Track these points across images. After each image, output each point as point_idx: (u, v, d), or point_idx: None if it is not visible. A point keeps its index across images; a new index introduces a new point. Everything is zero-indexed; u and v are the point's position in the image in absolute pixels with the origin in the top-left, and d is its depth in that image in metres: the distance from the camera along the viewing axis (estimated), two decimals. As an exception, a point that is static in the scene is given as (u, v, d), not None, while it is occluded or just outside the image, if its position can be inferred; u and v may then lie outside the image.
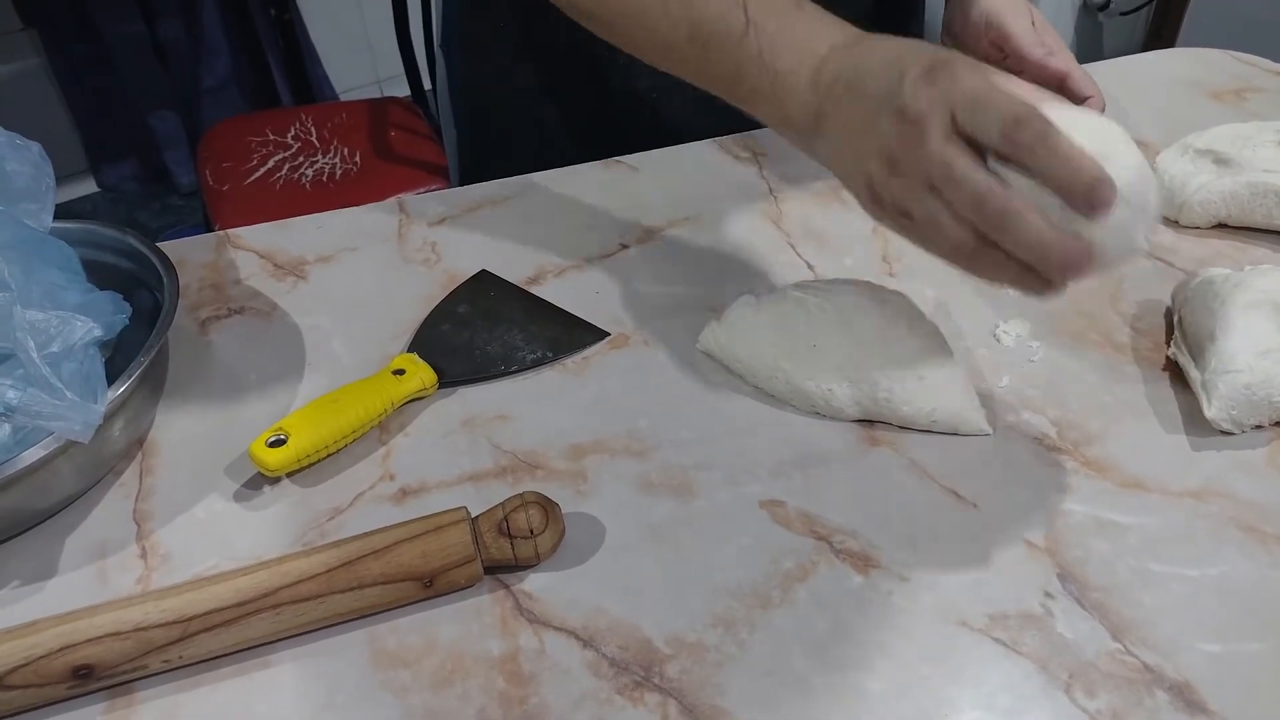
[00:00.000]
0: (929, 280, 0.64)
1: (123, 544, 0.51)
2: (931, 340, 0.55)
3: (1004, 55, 0.69)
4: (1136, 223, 0.42)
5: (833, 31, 0.50)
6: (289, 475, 0.53)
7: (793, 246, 0.67)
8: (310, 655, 0.45)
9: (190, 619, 0.43)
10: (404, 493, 0.52)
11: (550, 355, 0.60)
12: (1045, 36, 0.69)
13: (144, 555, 0.50)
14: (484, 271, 0.66)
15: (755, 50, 0.51)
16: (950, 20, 0.75)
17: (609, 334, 0.61)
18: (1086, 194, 0.41)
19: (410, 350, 0.59)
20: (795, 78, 0.50)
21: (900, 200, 0.46)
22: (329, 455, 0.54)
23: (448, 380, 0.58)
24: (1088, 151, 0.41)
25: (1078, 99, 0.67)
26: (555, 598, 0.47)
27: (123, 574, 0.49)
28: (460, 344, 0.60)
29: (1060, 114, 0.42)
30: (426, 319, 0.62)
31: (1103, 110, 0.65)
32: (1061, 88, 0.66)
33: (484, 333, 0.61)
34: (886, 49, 0.48)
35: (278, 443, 0.52)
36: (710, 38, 0.51)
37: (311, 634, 0.46)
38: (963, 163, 0.43)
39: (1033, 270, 0.43)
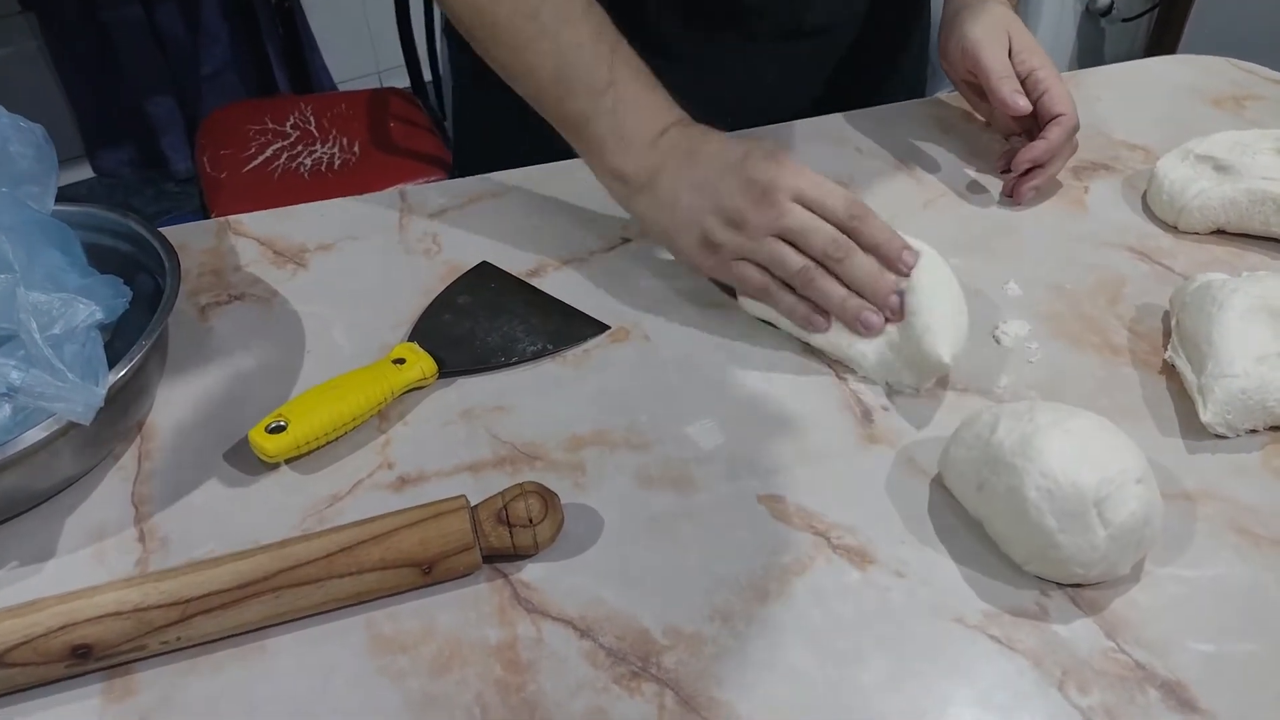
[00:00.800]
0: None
1: (121, 527, 0.51)
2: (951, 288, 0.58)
3: (980, 86, 0.71)
4: (1126, 551, 0.45)
5: (675, 110, 0.61)
6: (287, 462, 0.54)
7: (794, 244, 0.68)
8: (308, 640, 0.45)
9: (189, 601, 0.43)
10: (403, 481, 0.52)
11: (550, 347, 0.60)
12: (1028, 58, 0.70)
13: (142, 539, 0.50)
14: (485, 263, 0.66)
15: (610, 105, 0.59)
16: (940, 43, 0.76)
17: (609, 327, 0.61)
18: (897, 257, 0.57)
19: (410, 339, 0.59)
20: (638, 138, 0.60)
21: (737, 248, 0.58)
22: (328, 443, 0.54)
23: (448, 370, 0.58)
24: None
25: (1049, 116, 0.68)
26: (553, 587, 0.47)
27: (121, 557, 0.49)
28: (460, 334, 0.60)
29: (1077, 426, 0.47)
30: (427, 309, 0.62)
31: (1074, 129, 0.69)
32: (1036, 104, 0.69)
33: (484, 323, 0.61)
34: (722, 136, 0.60)
35: (277, 429, 0.52)
36: (573, 82, 0.59)
37: (310, 619, 0.46)
38: (815, 218, 0.57)
39: (849, 299, 0.57)
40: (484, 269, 0.66)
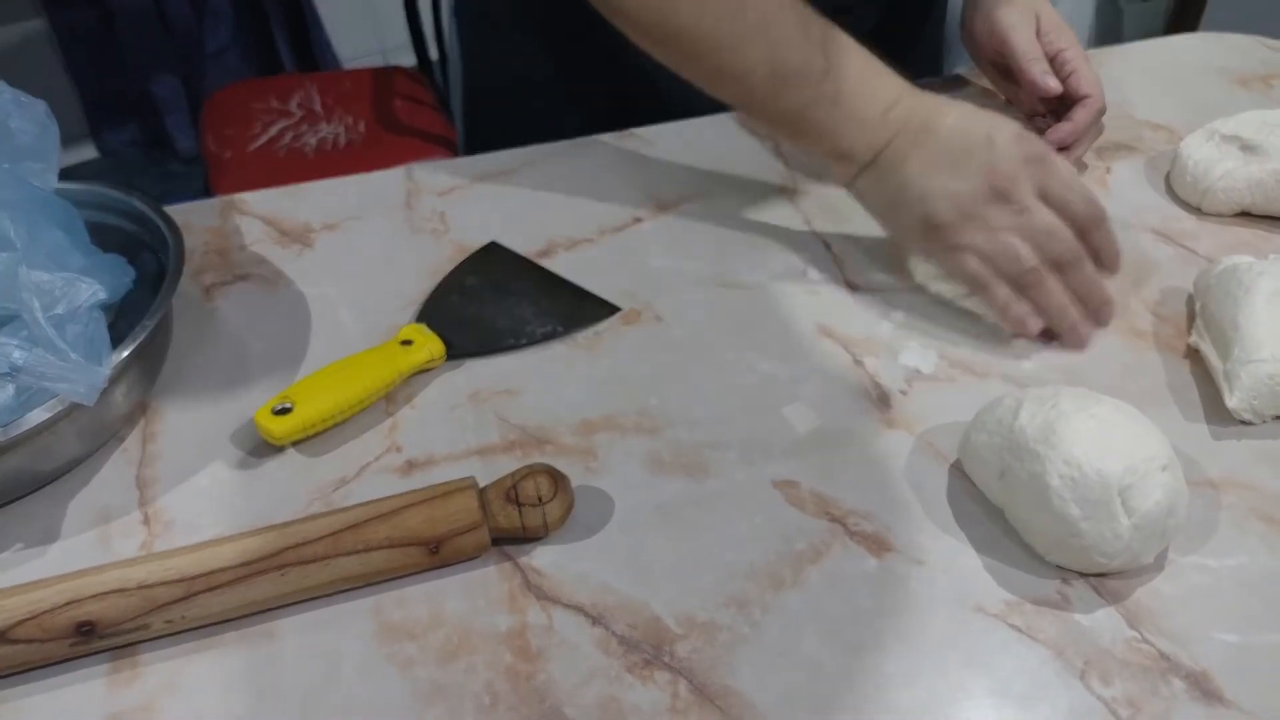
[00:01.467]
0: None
1: (125, 509, 0.50)
2: None
3: (1006, 66, 0.70)
4: (1150, 540, 0.44)
5: (900, 82, 0.58)
6: (294, 444, 0.53)
7: (809, 222, 0.66)
8: (315, 626, 0.45)
9: (194, 578, 0.43)
10: (410, 465, 0.52)
11: (560, 330, 0.59)
12: (1055, 39, 0.69)
13: (147, 521, 0.49)
14: (493, 243, 0.65)
15: (831, 92, 0.57)
16: (965, 22, 0.74)
17: (621, 309, 0.60)
18: (1117, 266, 0.57)
19: (418, 321, 0.58)
20: (865, 117, 0.57)
21: (967, 238, 0.56)
22: (335, 425, 0.53)
23: (456, 352, 0.57)
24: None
25: (1075, 97, 0.67)
26: (564, 574, 0.46)
27: (125, 539, 0.48)
28: (469, 316, 0.59)
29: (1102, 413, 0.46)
30: (435, 290, 0.61)
31: (1101, 111, 0.68)
32: (1063, 85, 0.68)
33: (493, 305, 0.60)
34: (960, 107, 0.58)
35: (283, 411, 0.51)
36: (789, 75, 0.57)
37: (317, 605, 0.45)
38: (1059, 222, 0.55)
39: (1069, 307, 0.56)
40: (492, 250, 0.65)
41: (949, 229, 0.56)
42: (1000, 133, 0.56)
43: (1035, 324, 0.56)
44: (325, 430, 0.53)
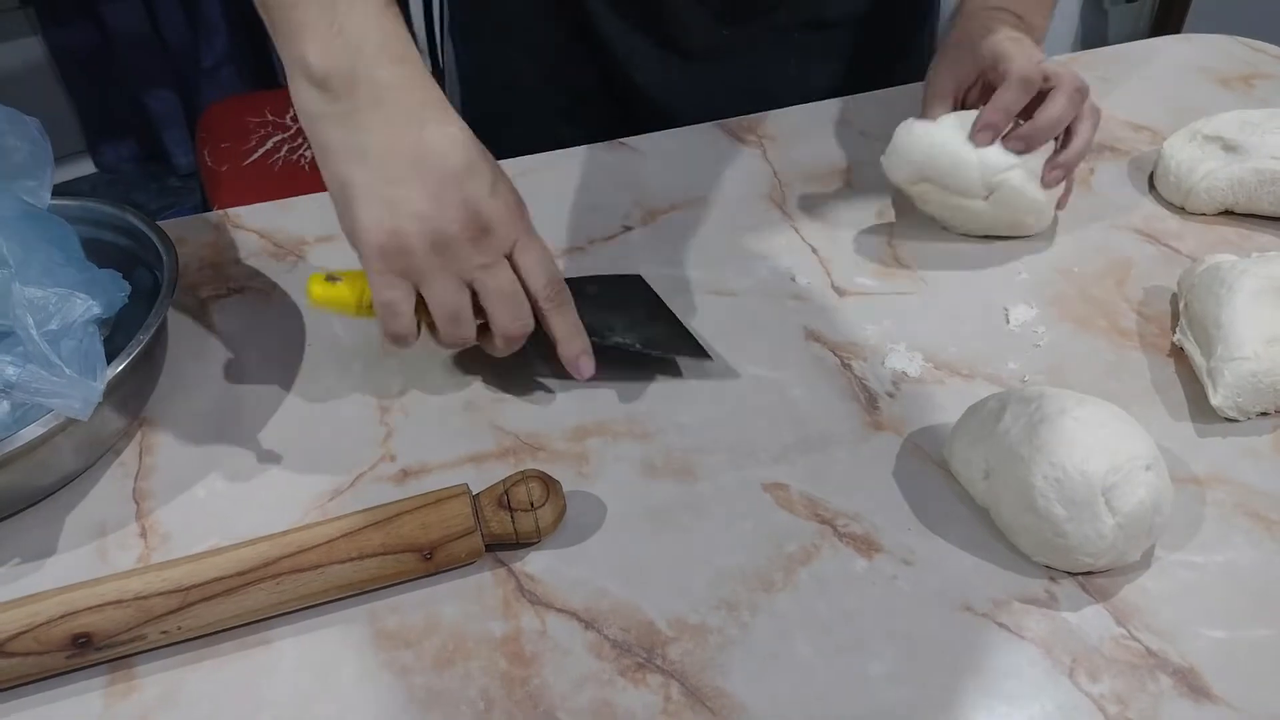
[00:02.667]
0: (936, 265, 0.63)
1: (122, 523, 0.50)
2: None
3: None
4: (1135, 538, 0.45)
5: (406, 43, 0.48)
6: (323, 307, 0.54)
7: (796, 229, 0.67)
8: (312, 634, 0.45)
9: (190, 588, 0.43)
10: (404, 473, 0.52)
11: (636, 347, 0.56)
12: (1027, 73, 0.61)
13: (144, 534, 0.50)
14: (639, 276, 0.62)
15: None
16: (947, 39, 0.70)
17: (711, 359, 0.57)
18: (573, 361, 0.53)
19: None
20: (356, 42, 0.47)
21: (424, 271, 0.48)
22: (363, 315, 0.53)
23: None
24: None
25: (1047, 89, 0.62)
26: (557, 579, 0.47)
27: (122, 553, 0.49)
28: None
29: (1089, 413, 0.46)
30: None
31: (1077, 89, 0.61)
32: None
33: (590, 304, 0.56)
34: (441, 114, 0.49)
35: (332, 279, 0.53)
36: None
37: (313, 613, 0.46)
38: (515, 290, 0.51)
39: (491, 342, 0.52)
40: (634, 281, 0.62)
41: (412, 256, 0.48)
42: (482, 169, 0.49)
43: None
44: (355, 315, 0.53)
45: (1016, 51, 0.62)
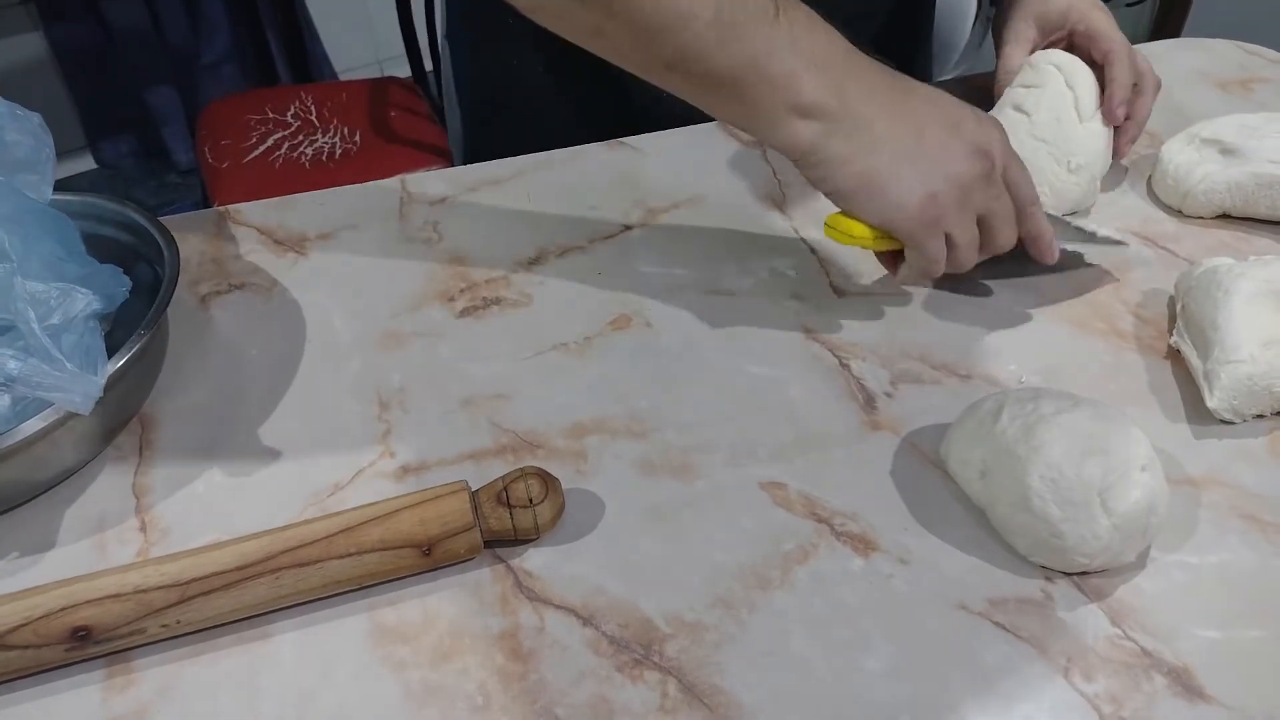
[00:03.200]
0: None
1: (122, 517, 0.50)
2: None
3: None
4: (1130, 539, 0.45)
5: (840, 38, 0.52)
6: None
7: (795, 229, 0.67)
8: (310, 629, 0.45)
9: (189, 582, 0.43)
10: (404, 470, 0.52)
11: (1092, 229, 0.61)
12: (1071, 20, 0.69)
13: (143, 529, 0.50)
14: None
15: (788, 34, 0.49)
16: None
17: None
18: (1048, 248, 0.58)
19: None
20: (825, 61, 0.50)
21: (954, 218, 0.53)
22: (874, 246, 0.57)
23: None
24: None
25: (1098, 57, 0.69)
26: (555, 576, 0.47)
27: (122, 547, 0.49)
28: None
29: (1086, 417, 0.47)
30: None
31: (1128, 55, 0.68)
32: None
33: None
34: (919, 85, 0.55)
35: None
36: (739, 21, 0.48)
37: (311, 608, 0.46)
38: (1009, 207, 0.55)
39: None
40: None
41: (945, 209, 0.52)
42: (968, 113, 0.54)
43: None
44: (870, 247, 0.57)
45: (1111, 28, 0.69)
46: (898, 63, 0.87)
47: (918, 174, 0.52)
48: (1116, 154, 0.69)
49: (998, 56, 0.71)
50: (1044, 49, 0.70)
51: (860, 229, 0.55)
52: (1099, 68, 0.68)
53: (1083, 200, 0.66)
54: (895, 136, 0.51)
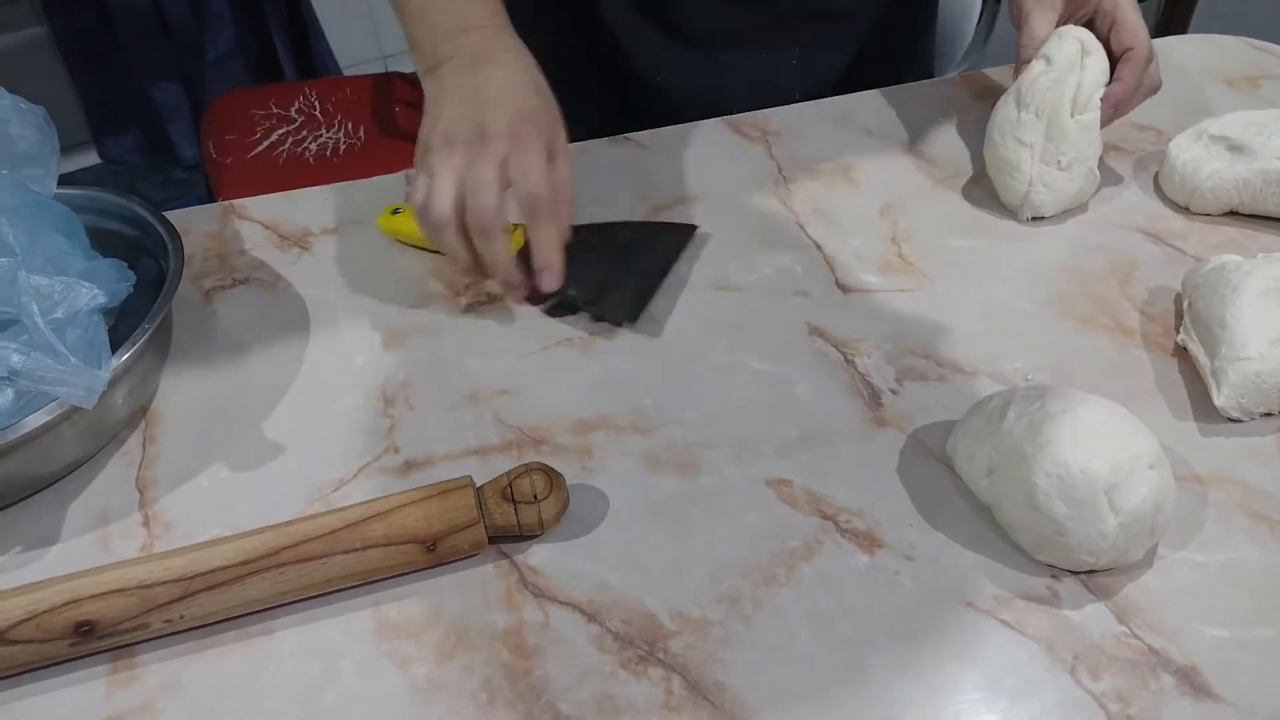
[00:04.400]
0: (937, 259, 0.63)
1: (125, 511, 0.50)
2: None
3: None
4: (1137, 537, 0.45)
5: (493, 11, 0.62)
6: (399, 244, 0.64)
7: (801, 226, 0.67)
8: (314, 624, 0.45)
9: (193, 577, 0.43)
10: (409, 465, 0.52)
11: (581, 302, 0.60)
12: None
13: (147, 523, 0.50)
14: (694, 228, 0.66)
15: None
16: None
17: (633, 321, 0.60)
18: (545, 268, 0.59)
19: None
20: (442, 27, 0.61)
21: (433, 162, 0.57)
22: (422, 249, 0.64)
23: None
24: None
25: (1119, 51, 0.67)
26: (560, 572, 0.47)
27: (125, 541, 0.49)
28: (571, 249, 0.60)
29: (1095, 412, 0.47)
30: (598, 224, 0.66)
31: (1146, 60, 0.67)
32: (1107, 41, 0.67)
33: (594, 255, 0.62)
34: (517, 63, 0.60)
35: (396, 212, 0.64)
36: None
37: (316, 604, 0.46)
38: (495, 187, 0.56)
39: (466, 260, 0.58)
40: (682, 230, 0.66)
41: (429, 151, 0.58)
42: (515, 97, 0.58)
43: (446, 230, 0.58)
44: (415, 246, 0.64)
45: (1138, 24, 0.67)
46: (898, 57, 0.87)
47: (428, 126, 0.59)
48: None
49: (1020, 26, 0.69)
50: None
51: (408, 226, 0.61)
52: (1113, 57, 0.67)
53: (1080, 195, 0.66)
54: (442, 96, 0.60)
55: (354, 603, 0.46)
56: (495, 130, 0.57)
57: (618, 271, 0.62)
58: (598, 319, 0.60)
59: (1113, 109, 0.66)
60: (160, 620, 0.43)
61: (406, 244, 0.65)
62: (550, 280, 0.59)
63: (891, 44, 0.86)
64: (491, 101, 0.58)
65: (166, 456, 0.53)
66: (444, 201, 0.56)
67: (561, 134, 0.60)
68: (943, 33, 0.95)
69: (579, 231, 0.62)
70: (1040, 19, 0.68)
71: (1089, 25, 0.68)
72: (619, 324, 0.60)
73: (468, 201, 0.56)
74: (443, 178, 0.57)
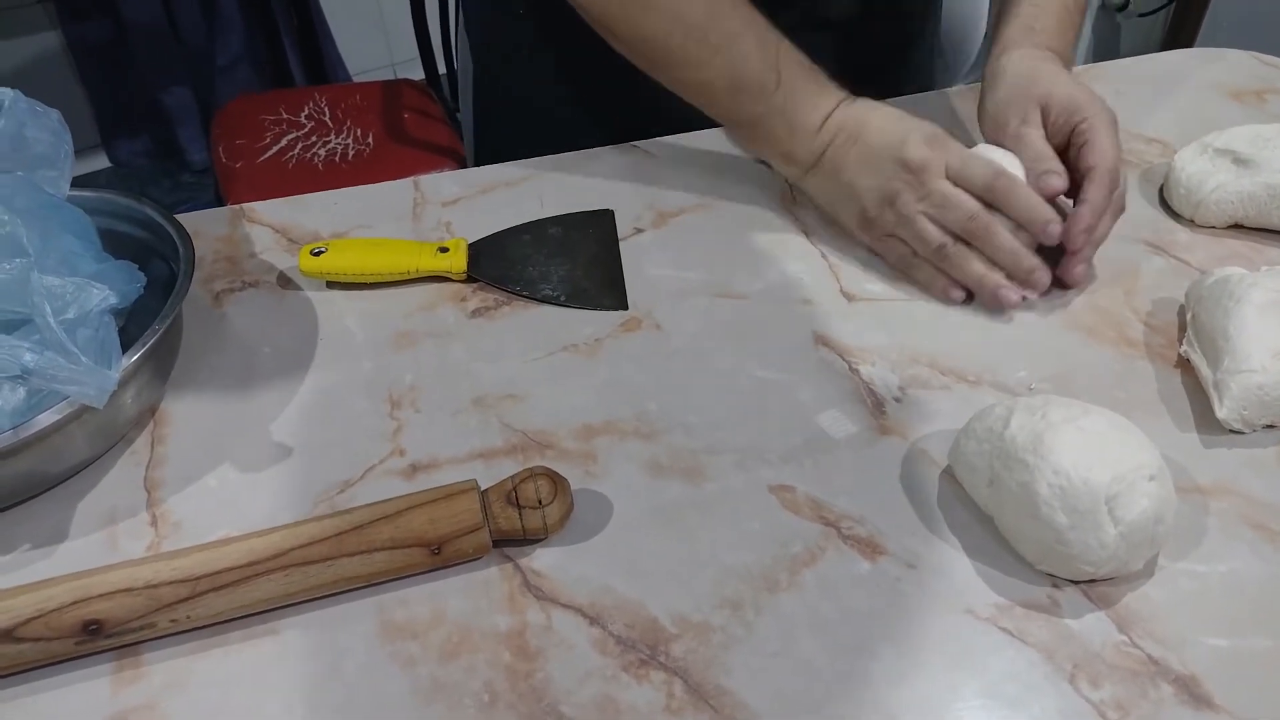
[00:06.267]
0: (943, 272, 0.64)
1: (133, 511, 0.51)
2: None
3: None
4: (1137, 548, 0.45)
5: (837, 93, 0.65)
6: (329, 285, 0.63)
7: (806, 233, 0.67)
8: (319, 624, 0.46)
9: (200, 578, 0.44)
10: (414, 468, 0.53)
11: (562, 299, 0.62)
12: (1068, 117, 0.63)
13: (154, 523, 0.50)
14: (609, 212, 0.69)
15: (781, 103, 0.64)
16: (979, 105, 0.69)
17: (625, 309, 0.62)
18: (1043, 227, 0.59)
19: (475, 241, 0.65)
20: (807, 127, 0.64)
21: (889, 224, 0.62)
22: (356, 283, 0.63)
23: (474, 274, 0.62)
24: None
25: (1083, 169, 0.62)
26: (563, 575, 0.47)
27: (133, 541, 0.49)
28: (517, 255, 0.64)
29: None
30: (523, 225, 0.67)
31: (1113, 178, 0.61)
32: (1077, 159, 0.63)
33: (542, 256, 0.64)
34: (883, 112, 0.63)
35: (319, 253, 0.62)
36: (746, 89, 0.64)
37: (320, 604, 0.46)
38: (959, 192, 0.60)
39: (989, 275, 0.60)
40: (604, 217, 0.68)
41: (877, 221, 0.62)
42: (915, 132, 0.61)
43: (957, 294, 0.61)
44: (347, 281, 0.63)
45: (1106, 135, 0.62)
46: (898, 68, 0.87)
47: (855, 197, 0.63)
48: (1067, 277, 0.61)
49: (1017, 151, 0.63)
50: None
51: (331, 264, 0.62)
52: (1077, 171, 0.62)
53: None
54: (845, 170, 0.63)
55: (359, 604, 0.46)
56: (916, 156, 0.60)
57: (574, 265, 0.65)
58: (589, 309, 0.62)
59: (1084, 232, 0.60)
60: (167, 620, 0.44)
61: (334, 282, 0.64)
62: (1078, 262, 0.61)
63: (890, 55, 0.86)
64: (891, 143, 0.61)
65: (175, 457, 0.54)
66: (932, 234, 0.60)
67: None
68: (950, 45, 0.95)
69: (511, 234, 0.65)
70: (1034, 135, 0.63)
71: (1065, 141, 0.64)
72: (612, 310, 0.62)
73: (947, 217, 0.60)
74: (914, 220, 0.60)
